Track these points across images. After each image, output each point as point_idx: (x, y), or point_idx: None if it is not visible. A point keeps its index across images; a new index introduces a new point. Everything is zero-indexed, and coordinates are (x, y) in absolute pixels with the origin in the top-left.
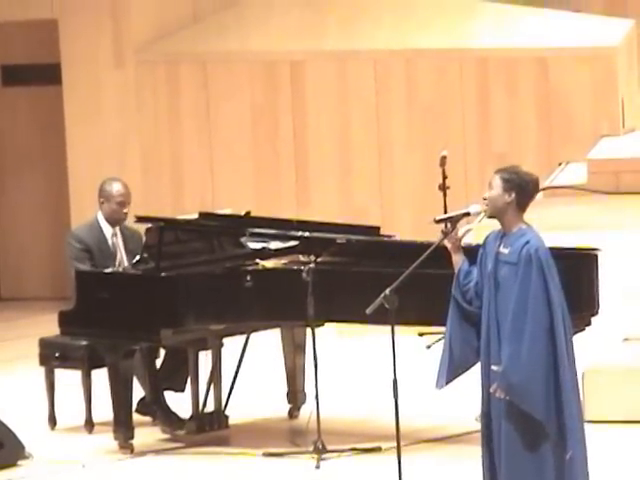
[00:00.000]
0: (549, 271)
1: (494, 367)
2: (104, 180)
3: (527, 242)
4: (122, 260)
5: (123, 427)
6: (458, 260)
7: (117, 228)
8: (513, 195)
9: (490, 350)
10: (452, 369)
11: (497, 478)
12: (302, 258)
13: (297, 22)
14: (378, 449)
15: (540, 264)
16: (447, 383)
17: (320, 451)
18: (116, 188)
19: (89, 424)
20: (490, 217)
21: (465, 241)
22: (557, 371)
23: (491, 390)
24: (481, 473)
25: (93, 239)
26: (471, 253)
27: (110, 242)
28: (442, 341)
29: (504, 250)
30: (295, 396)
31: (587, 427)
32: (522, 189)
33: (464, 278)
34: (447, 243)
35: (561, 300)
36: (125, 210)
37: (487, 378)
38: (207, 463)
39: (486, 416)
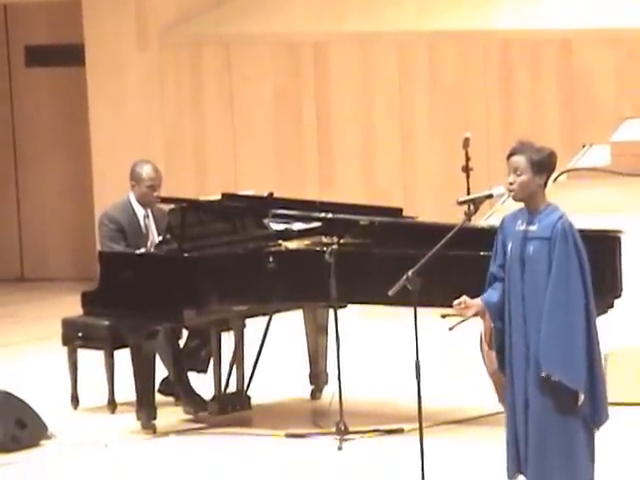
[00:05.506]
0: (582, 247)
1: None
2: (135, 162)
3: (560, 217)
4: (154, 241)
5: (146, 407)
6: (482, 307)
7: (149, 209)
8: (544, 176)
9: (527, 329)
10: None
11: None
12: (325, 239)
13: (320, 3)
14: (400, 430)
15: (574, 239)
16: None
17: (342, 432)
18: (146, 171)
19: (112, 404)
20: (519, 201)
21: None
22: (591, 348)
23: (543, 374)
24: (504, 452)
25: (126, 219)
26: (488, 235)
27: (142, 223)
28: (464, 322)
29: (532, 227)
30: (317, 377)
31: (609, 410)
32: (551, 169)
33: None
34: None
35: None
36: (156, 193)
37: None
38: (229, 444)
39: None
